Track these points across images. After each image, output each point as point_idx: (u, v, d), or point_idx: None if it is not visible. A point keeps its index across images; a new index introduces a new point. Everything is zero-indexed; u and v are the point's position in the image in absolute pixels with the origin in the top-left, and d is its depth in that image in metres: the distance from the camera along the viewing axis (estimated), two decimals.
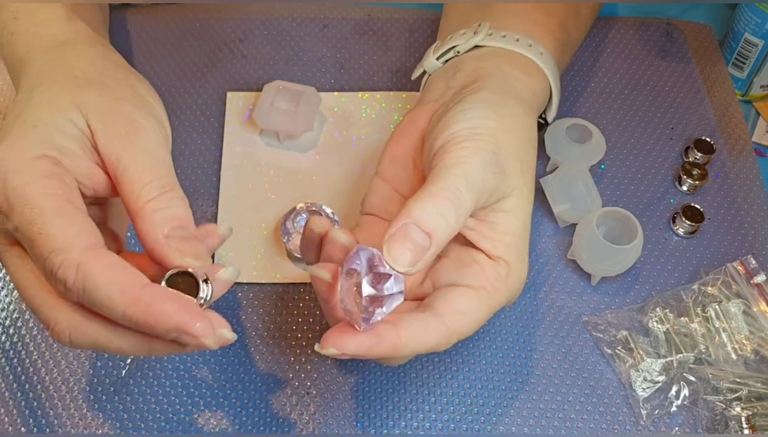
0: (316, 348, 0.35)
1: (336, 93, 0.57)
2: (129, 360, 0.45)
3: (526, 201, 0.40)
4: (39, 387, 0.44)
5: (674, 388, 0.44)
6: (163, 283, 0.34)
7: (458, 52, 0.46)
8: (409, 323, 0.36)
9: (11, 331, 0.46)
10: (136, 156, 0.35)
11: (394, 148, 0.43)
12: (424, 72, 0.48)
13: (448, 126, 0.39)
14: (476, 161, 0.37)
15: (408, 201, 0.35)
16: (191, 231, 0.35)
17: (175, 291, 0.33)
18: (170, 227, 0.34)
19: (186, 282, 0.34)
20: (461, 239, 0.40)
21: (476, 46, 0.46)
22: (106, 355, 0.46)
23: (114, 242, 0.39)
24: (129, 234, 0.48)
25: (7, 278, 0.48)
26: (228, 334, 0.34)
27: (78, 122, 0.35)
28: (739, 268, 0.48)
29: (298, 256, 0.47)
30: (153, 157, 0.35)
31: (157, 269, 0.35)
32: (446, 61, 0.47)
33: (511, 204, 0.39)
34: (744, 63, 0.58)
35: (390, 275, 0.34)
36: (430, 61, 0.47)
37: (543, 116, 0.50)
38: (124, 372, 0.45)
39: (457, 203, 0.35)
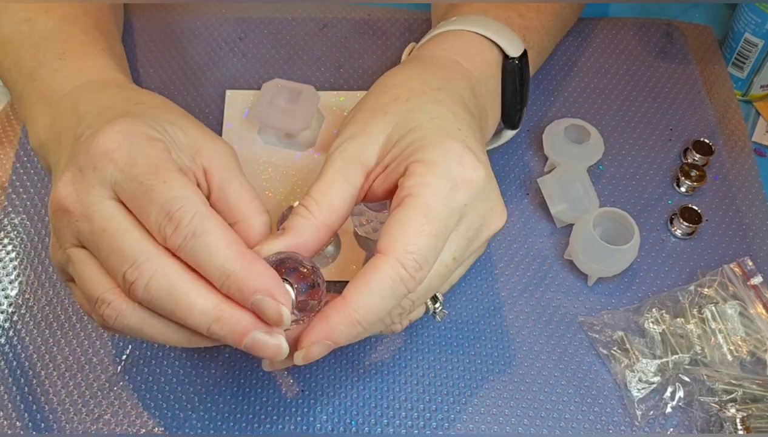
0: (295, 361, 0.35)
1: (335, 92, 0.57)
2: (125, 357, 0.46)
3: (410, 114, 0.37)
4: (34, 381, 0.45)
5: (669, 389, 0.44)
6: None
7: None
8: (351, 281, 0.34)
9: (7, 327, 0.47)
10: (234, 166, 0.38)
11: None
12: None
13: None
14: (332, 152, 0.37)
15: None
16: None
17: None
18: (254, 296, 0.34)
19: None
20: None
21: None
22: (102, 351, 0.46)
23: None
24: None
25: (6, 280, 0.49)
26: (285, 313, 0.33)
27: (183, 135, 0.37)
28: (736, 270, 0.48)
29: None
30: (240, 171, 0.38)
31: None
32: None
33: (395, 135, 0.37)
34: (744, 63, 0.58)
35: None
36: None
37: (510, 57, 0.47)
38: (119, 367, 0.45)
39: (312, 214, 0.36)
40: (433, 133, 0.37)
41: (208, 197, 0.37)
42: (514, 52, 0.46)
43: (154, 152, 0.34)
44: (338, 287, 0.48)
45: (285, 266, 0.34)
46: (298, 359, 0.34)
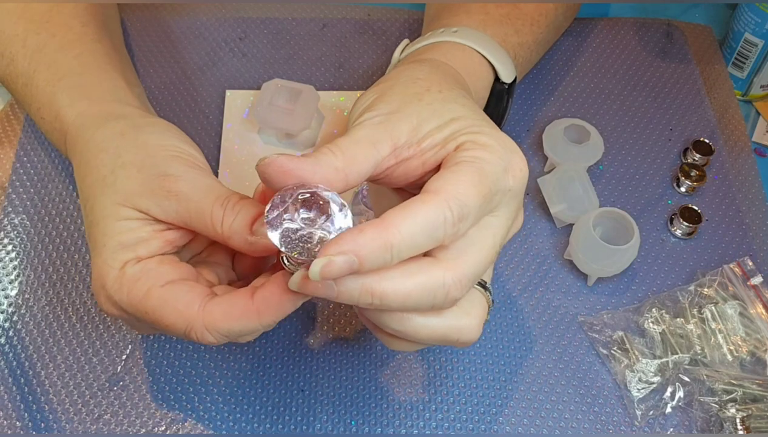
0: (311, 274, 0.31)
1: (334, 92, 0.57)
2: (125, 356, 0.46)
3: (446, 104, 0.37)
4: (34, 381, 0.45)
5: (669, 389, 0.44)
6: (285, 262, 0.35)
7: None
8: (392, 209, 0.32)
9: (7, 327, 0.47)
10: (183, 198, 0.37)
11: None
12: None
13: (349, 118, 0.40)
14: (367, 122, 0.36)
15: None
16: (264, 209, 0.36)
17: (272, 280, 0.35)
18: (249, 229, 0.36)
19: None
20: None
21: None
22: (102, 351, 0.46)
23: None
24: None
25: (6, 280, 0.49)
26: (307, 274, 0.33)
27: (130, 215, 0.38)
28: (736, 270, 0.48)
29: None
30: (197, 187, 0.37)
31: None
32: None
33: (433, 121, 0.36)
34: (744, 63, 0.58)
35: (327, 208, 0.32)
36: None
37: (501, 81, 0.48)
38: (119, 367, 0.45)
39: (366, 155, 0.35)
40: (483, 122, 0.37)
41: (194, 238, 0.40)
42: (507, 78, 0.48)
43: (131, 298, 0.37)
44: None
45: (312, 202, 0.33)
46: (316, 269, 0.30)
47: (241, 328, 0.35)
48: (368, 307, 0.34)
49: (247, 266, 0.41)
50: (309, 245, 0.32)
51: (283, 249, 0.32)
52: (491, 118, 0.48)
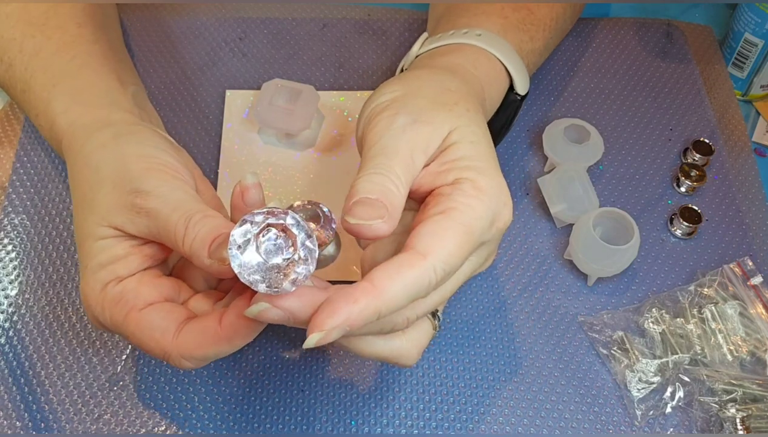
0: (306, 345, 0.33)
1: (335, 92, 0.57)
2: (125, 356, 0.46)
3: (471, 127, 0.38)
4: (34, 381, 0.45)
5: (669, 389, 0.44)
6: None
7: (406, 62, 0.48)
8: (380, 269, 0.33)
9: (7, 327, 0.47)
10: (153, 215, 0.37)
11: None
12: None
13: (364, 108, 0.40)
14: (392, 128, 0.37)
15: (351, 186, 0.36)
16: (225, 235, 0.35)
17: (235, 304, 0.36)
18: (206, 250, 0.35)
19: None
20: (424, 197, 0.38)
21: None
22: (102, 351, 0.46)
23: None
24: None
25: (6, 280, 0.49)
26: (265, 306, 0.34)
27: (106, 233, 0.38)
28: (736, 270, 0.48)
29: None
30: (167, 203, 0.37)
31: None
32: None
33: (455, 136, 0.37)
34: (744, 63, 0.58)
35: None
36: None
37: (515, 92, 0.48)
38: (119, 367, 0.45)
39: (386, 173, 0.35)
40: (490, 159, 0.38)
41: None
42: (522, 90, 0.48)
43: (113, 318, 0.37)
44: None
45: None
46: (312, 341, 0.32)
47: (216, 353, 0.36)
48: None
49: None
50: (272, 274, 0.32)
51: (243, 279, 0.32)
52: (495, 126, 0.48)
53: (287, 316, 0.33)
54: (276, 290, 0.32)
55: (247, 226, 0.32)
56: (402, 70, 0.52)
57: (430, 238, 0.34)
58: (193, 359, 0.36)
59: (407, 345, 0.38)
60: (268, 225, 0.32)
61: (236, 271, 0.32)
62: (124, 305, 0.37)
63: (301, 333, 0.47)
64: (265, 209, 0.33)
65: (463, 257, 0.35)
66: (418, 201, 0.38)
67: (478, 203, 0.35)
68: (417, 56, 0.48)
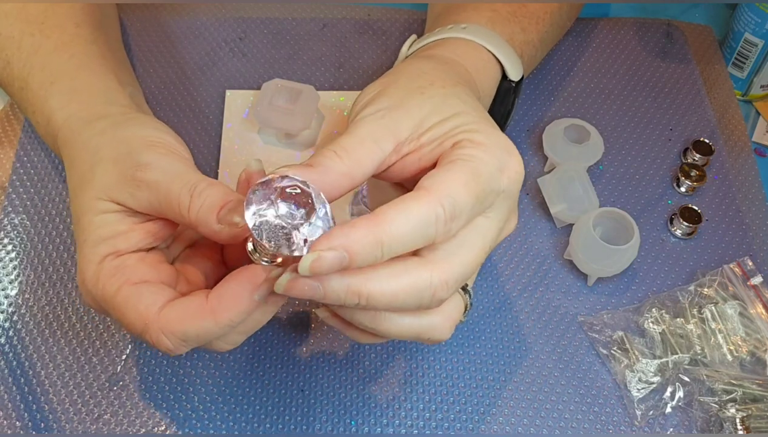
0: (300, 269, 0.31)
1: (335, 92, 0.57)
2: (125, 356, 0.46)
3: (448, 99, 0.37)
4: (34, 381, 0.45)
5: (669, 389, 0.44)
6: (253, 253, 0.35)
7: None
8: (385, 205, 0.32)
9: (7, 327, 0.47)
10: (154, 186, 0.37)
11: None
12: None
13: (350, 112, 0.40)
14: (359, 116, 0.37)
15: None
16: (234, 200, 0.35)
17: (228, 276, 0.35)
18: (215, 215, 0.35)
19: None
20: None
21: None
22: (102, 351, 0.46)
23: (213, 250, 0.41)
24: None
25: (6, 280, 0.49)
26: (278, 276, 0.33)
27: (108, 208, 0.38)
28: (736, 270, 0.48)
29: None
30: (167, 173, 0.37)
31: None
32: None
33: (435, 117, 0.37)
34: (744, 63, 0.58)
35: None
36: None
37: (509, 79, 0.48)
38: (119, 367, 0.45)
39: (370, 151, 0.35)
40: (482, 120, 0.37)
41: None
42: (515, 76, 0.47)
43: (104, 292, 0.37)
44: None
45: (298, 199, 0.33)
46: (306, 264, 0.30)
47: (197, 330, 0.34)
48: (354, 307, 0.33)
49: (235, 259, 0.41)
50: (286, 239, 0.32)
51: (262, 240, 0.31)
52: (496, 116, 0.48)
53: (315, 286, 0.32)
54: (295, 252, 0.31)
55: (265, 189, 0.32)
56: None
57: (435, 178, 0.33)
58: (173, 336, 0.35)
59: (437, 317, 0.36)
60: (286, 191, 0.32)
61: (255, 234, 0.31)
62: (120, 278, 0.36)
63: (300, 330, 0.47)
64: (278, 175, 0.32)
65: (472, 196, 0.33)
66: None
67: (482, 153, 0.35)
68: (406, 57, 0.48)
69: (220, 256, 0.41)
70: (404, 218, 0.32)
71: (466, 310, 0.39)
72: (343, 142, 0.35)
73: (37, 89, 0.46)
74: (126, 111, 0.44)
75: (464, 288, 0.39)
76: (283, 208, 0.32)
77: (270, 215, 0.32)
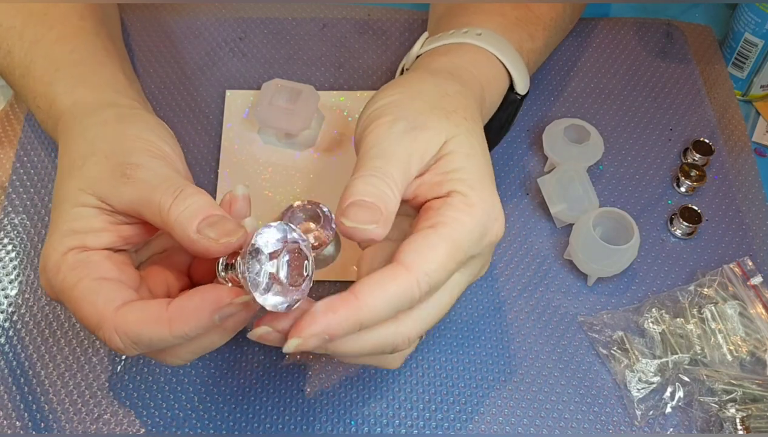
0: (285, 349, 0.34)
1: (335, 92, 0.57)
2: (124, 356, 0.46)
3: (467, 137, 0.38)
4: (34, 381, 0.45)
5: (669, 389, 0.44)
6: (221, 272, 0.36)
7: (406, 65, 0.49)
8: (364, 281, 0.34)
9: (7, 327, 0.47)
10: (140, 185, 0.37)
11: None
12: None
13: (364, 110, 0.40)
14: (391, 133, 0.37)
15: (346, 186, 0.36)
16: (218, 215, 0.36)
17: (193, 290, 0.35)
18: (196, 223, 0.35)
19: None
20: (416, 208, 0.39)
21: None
22: (102, 351, 0.46)
23: (179, 273, 0.41)
24: None
25: (6, 280, 0.49)
26: (243, 299, 0.35)
27: (89, 202, 0.37)
28: (736, 270, 0.48)
29: None
30: (156, 175, 0.37)
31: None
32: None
33: (451, 146, 0.37)
34: (744, 63, 0.58)
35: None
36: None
37: (515, 91, 0.48)
38: (119, 367, 0.45)
39: (383, 176, 0.35)
40: (484, 171, 0.38)
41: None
42: (522, 90, 0.48)
43: (64, 283, 0.36)
44: (338, 287, 0.48)
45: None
46: (291, 346, 0.33)
47: (151, 336, 0.34)
48: (323, 350, 0.35)
49: (201, 272, 0.41)
50: (264, 291, 0.34)
51: (246, 284, 0.33)
52: (498, 128, 0.49)
53: (281, 338, 0.35)
54: (265, 305, 0.34)
55: (272, 242, 0.34)
56: (403, 71, 0.52)
57: (415, 252, 0.34)
58: (126, 337, 0.35)
59: (392, 355, 0.38)
60: (293, 247, 0.34)
61: (246, 278, 0.33)
62: (81, 271, 0.36)
63: None
64: (280, 233, 0.34)
65: (450, 270, 0.35)
66: (415, 208, 0.38)
67: (468, 218, 0.36)
68: (418, 56, 0.48)
69: (187, 269, 0.41)
70: (382, 299, 0.33)
71: (418, 341, 0.40)
72: (385, 167, 0.36)
73: (41, 75, 0.45)
74: (134, 105, 0.44)
75: None
76: (283, 270, 0.34)
77: (267, 267, 0.34)
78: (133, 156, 0.38)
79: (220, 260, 0.37)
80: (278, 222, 0.34)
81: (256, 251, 0.33)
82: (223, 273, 0.37)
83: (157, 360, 0.38)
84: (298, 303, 0.35)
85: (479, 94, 0.43)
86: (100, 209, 0.37)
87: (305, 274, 0.35)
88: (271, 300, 0.34)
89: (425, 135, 0.37)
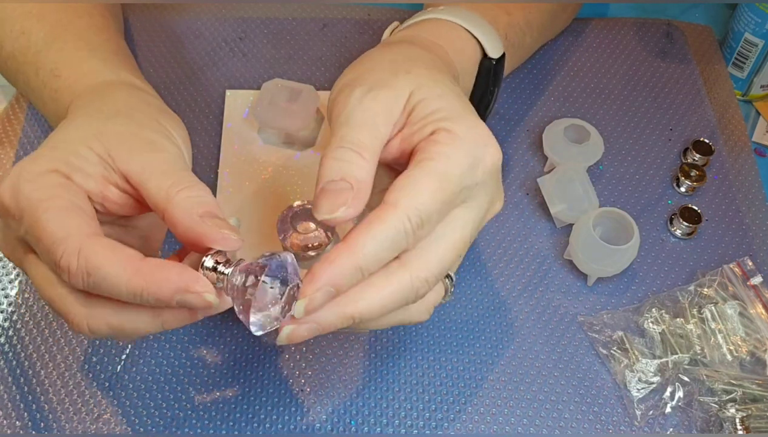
0: (295, 312, 0.33)
1: None
2: (124, 356, 0.46)
3: (433, 83, 0.38)
4: (34, 381, 0.45)
5: (669, 389, 0.44)
6: (207, 270, 0.35)
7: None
8: (354, 229, 0.34)
9: (7, 327, 0.47)
10: (159, 164, 0.36)
11: None
12: None
13: (330, 94, 0.40)
14: (351, 99, 0.37)
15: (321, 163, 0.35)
16: (222, 217, 0.36)
17: (176, 263, 0.34)
18: (201, 210, 0.35)
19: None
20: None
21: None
22: (102, 350, 0.46)
23: None
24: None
25: (6, 280, 0.49)
26: (211, 298, 0.34)
27: (97, 149, 0.37)
28: (736, 270, 0.48)
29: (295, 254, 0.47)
30: (174, 167, 0.37)
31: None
32: None
33: (419, 95, 0.37)
34: (744, 63, 0.58)
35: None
36: None
37: (489, 56, 0.48)
38: (119, 367, 0.45)
39: (350, 145, 0.35)
40: (461, 106, 0.37)
41: (139, 200, 0.37)
42: (494, 53, 0.47)
43: (36, 193, 0.34)
44: None
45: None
46: (300, 308, 0.33)
47: (108, 274, 0.33)
48: (350, 327, 0.35)
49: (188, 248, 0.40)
50: (243, 303, 0.34)
51: (233, 294, 0.34)
52: (481, 98, 0.48)
53: (312, 328, 0.35)
54: (239, 315, 0.35)
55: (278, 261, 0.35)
56: None
57: (400, 190, 0.34)
58: (86, 262, 0.33)
59: (417, 304, 0.37)
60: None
61: (229, 289, 0.34)
62: (59, 191, 0.34)
63: None
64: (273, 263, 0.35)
65: (441, 202, 0.34)
66: (404, 166, 0.38)
67: (453, 150, 0.35)
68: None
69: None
70: (375, 239, 0.33)
71: (447, 293, 0.39)
72: (355, 138, 0.35)
73: (72, 50, 0.45)
74: (160, 103, 0.44)
75: (447, 274, 0.39)
76: (275, 290, 0.34)
77: (274, 292, 0.34)
78: (160, 138, 0.38)
79: (207, 257, 0.36)
80: (293, 257, 0.35)
81: (273, 276, 0.34)
82: (207, 272, 0.36)
83: (66, 318, 0.35)
84: (267, 330, 0.35)
85: (445, 58, 0.43)
86: (102, 160, 0.36)
87: (291, 313, 0.35)
88: (253, 318, 0.34)
89: (386, 93, 0.37)
